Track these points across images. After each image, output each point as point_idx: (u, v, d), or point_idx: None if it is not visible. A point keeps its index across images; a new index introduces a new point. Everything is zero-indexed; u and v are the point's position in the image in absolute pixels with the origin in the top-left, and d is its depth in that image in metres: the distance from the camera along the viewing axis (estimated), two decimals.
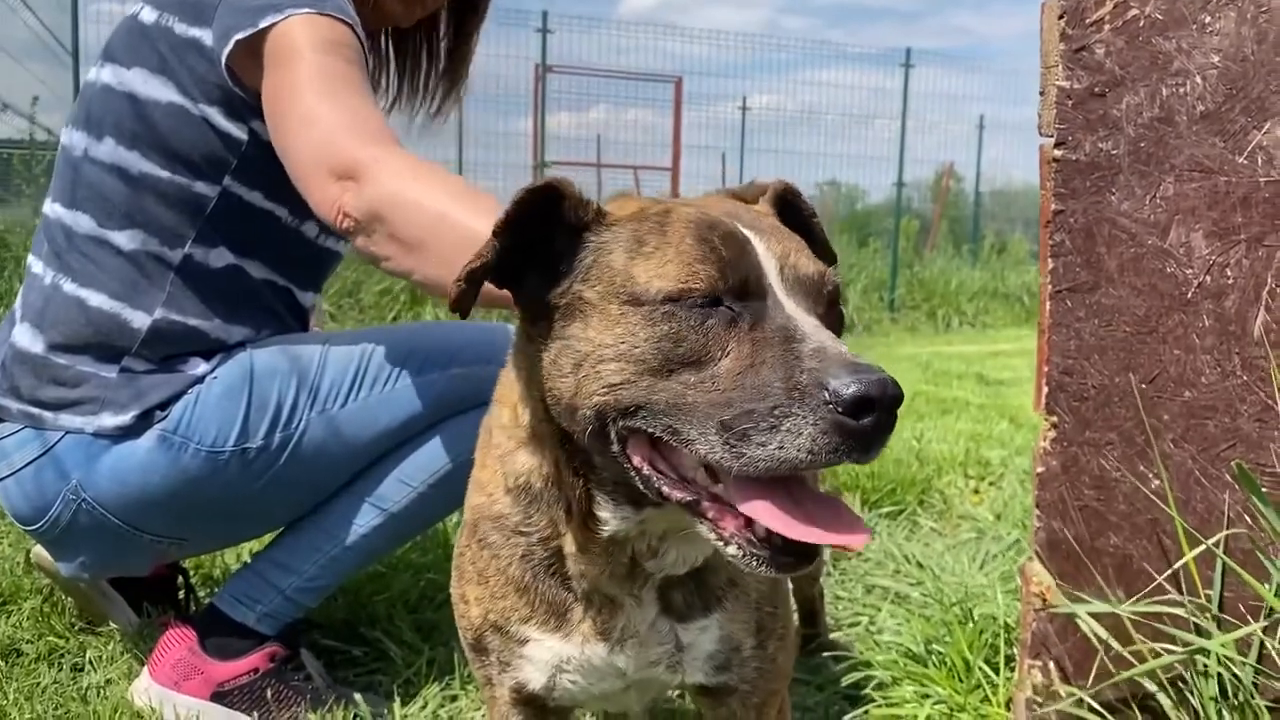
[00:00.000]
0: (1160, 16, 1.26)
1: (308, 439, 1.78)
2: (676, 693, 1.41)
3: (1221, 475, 1.25)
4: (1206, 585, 1.26)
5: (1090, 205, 1.36)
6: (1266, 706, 1.18)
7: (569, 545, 1.12)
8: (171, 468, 1.73)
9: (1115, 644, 1.30)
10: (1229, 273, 1.22)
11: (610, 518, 1.07)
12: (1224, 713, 1.21)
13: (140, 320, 1.75)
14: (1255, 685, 1.19)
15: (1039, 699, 1.47)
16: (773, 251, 0.99)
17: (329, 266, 2.07)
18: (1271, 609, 1.17)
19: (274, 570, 1.89)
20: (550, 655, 1.18)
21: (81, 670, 2.02)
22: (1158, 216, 1.29)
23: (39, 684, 1.93)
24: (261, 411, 1.75)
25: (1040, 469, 1.46)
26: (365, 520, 1.86)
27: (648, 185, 13.80)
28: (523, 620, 1.18)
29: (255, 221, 1.82)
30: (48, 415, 1.74)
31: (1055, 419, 1.44)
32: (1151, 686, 1.30)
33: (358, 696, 1.86)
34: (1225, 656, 1.20)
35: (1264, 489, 1.19)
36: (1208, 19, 1.22)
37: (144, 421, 1.72)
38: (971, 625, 1.96)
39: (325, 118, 1.55)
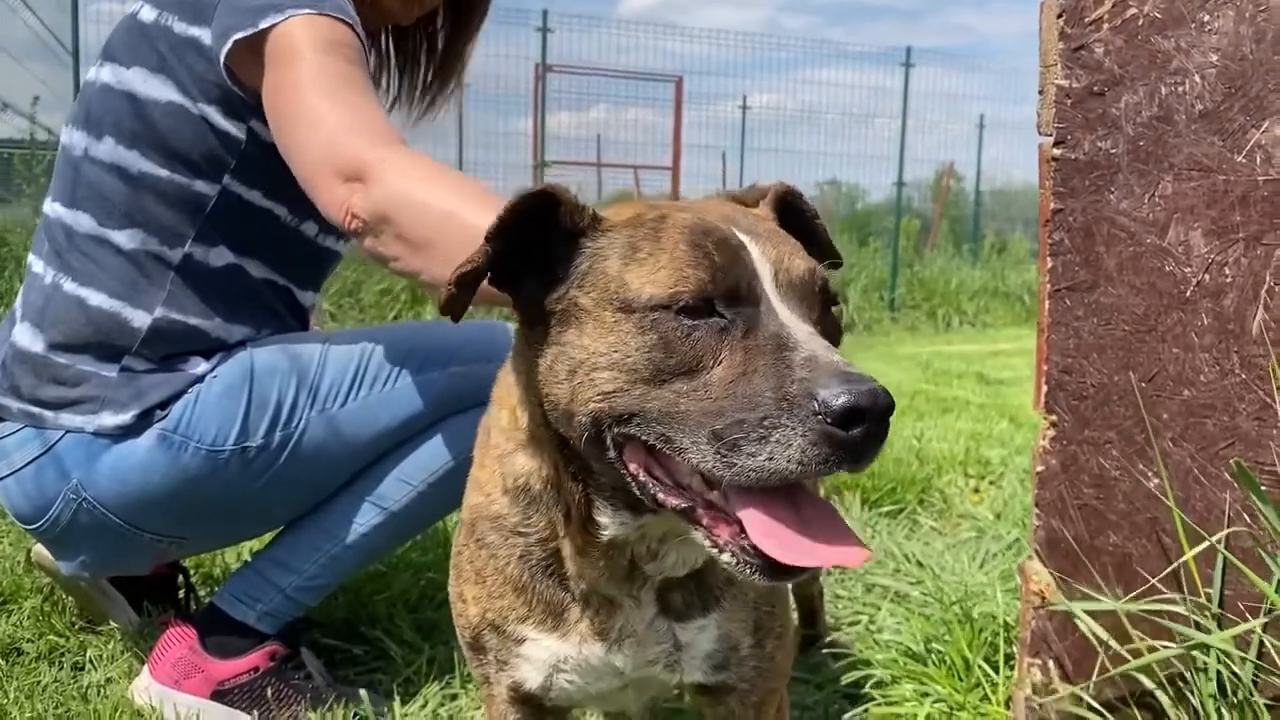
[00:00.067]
0: (1159, 15, 1.26)
1: (308, 438, 1.78)
2: (676, 691, 1.41)
3: (1220, 474, 1.25)
4: (1206, 584, 1.26)
5: (1089, 204, 1.36)
6: (1265, 704, 1.18)
7: (568, 548, 1.12)
8: (172, 467, 1.73)
9: (1114, 643, 1.30)
10: (1228, 271, 1.22)
11: (609, 522, 1.07)
12: (1223, 711, 1.21)
13: (140, 319, 1.75)
14: (1255, 683, 1.19)
15: (1038, 697, 1.47)
16: (768, 256, 0.98)
17: (329, 266, 2.07)
18: (1271, 607, 1.17)
19: (274, 569, 1.89)
20: (547, 655, 1.18)
21: (82, 669, 2.02)
22: (1156, 215, 1.29)
23: (39, 682, 1.93)
24: (262, 410, 1.75)
25: (1040, 468, 1.46)
26: (365, 519, 1.87)
27: (648, 185, 13.80)
28: (520, 620, 1.18)
29: (254, 220, 1.83)
30: (48, 414, 1.74)
31: (1054, 418, 1.44)
32: (1150, 684, 1.30)
33: (359, 694, 1.86)
34: (1224, 654, 1.20)
35: (1263, 487, 1.19)
36: (1206, 18, 1.22)
37: (144, 420, 1.73)
38: (971, 624, 1.96)
39: (329, 118, 1.56)
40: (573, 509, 1.09)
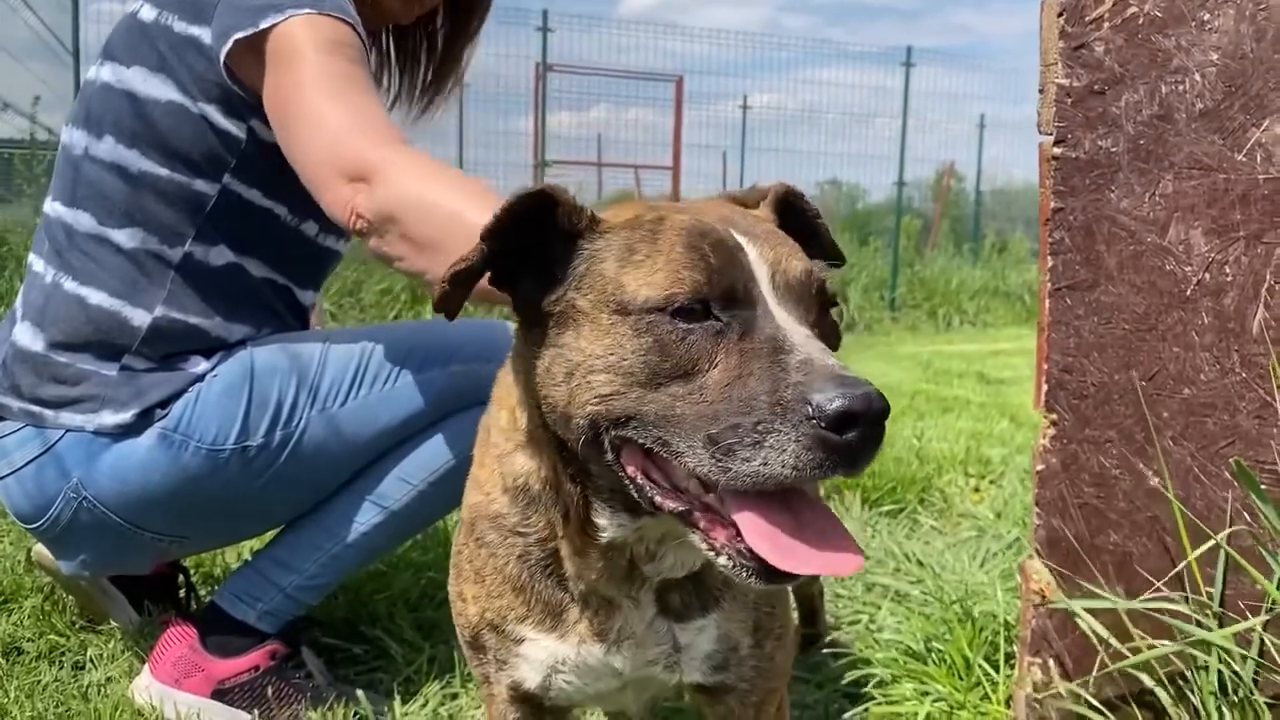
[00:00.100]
0: (1159, 14, 1.26)
1: (308, 437, 1.78)
2: (676, 691, 1.40)
3: (1221, 472, 1.25)
4: (1206, 583, 1.26)
5: (1090, 203, 1.36)
6: (1266, 703, 1.18)
7: (566, 549, 1.12)
8: (172, 466, 1.73)
9: (1114, 641, 1.30)
10: (1228, 270, 1.22)
11: (608, 524, 1.07)
12: (1224, 709, 1.21)
13: (140, 318, 1.75)
14: (1255, 681, 1.19)
15: (1039, 696, 1.47)
16: (765, 258, 0.98)
17: (329, 265, 2.07)
18: (1272, 605, 1.17)
19: (275, 568, 1.89)
20: (545, 655, 1.18)
21: (82, 668, 2.03)
22: (1157, 214, 1.29)
23: (40, 682, 1.93)
24: (262, 409, 1.75)
25: (1040, 466, 1.46)
26: (366, 518, 1.87)
27: (649, 184, 13.80)
28: (519, 620, 1.18)
29: (254, 219, 1.83)
30: (48, 413, 1.74)
31: (1055, 416, 1.44)
32: (1151, 683, 1.30)
33: (359, 694, 1.86)
34: (1225, 652, 1.20)
35: (1263, 486, 1.19)
36: (1207, 16, 1.22)
37: (144, 419, 1.73)
38: (971, 623, 1.96)
39: (332, 118, 1.56)
40: (571, 510, 1.08)
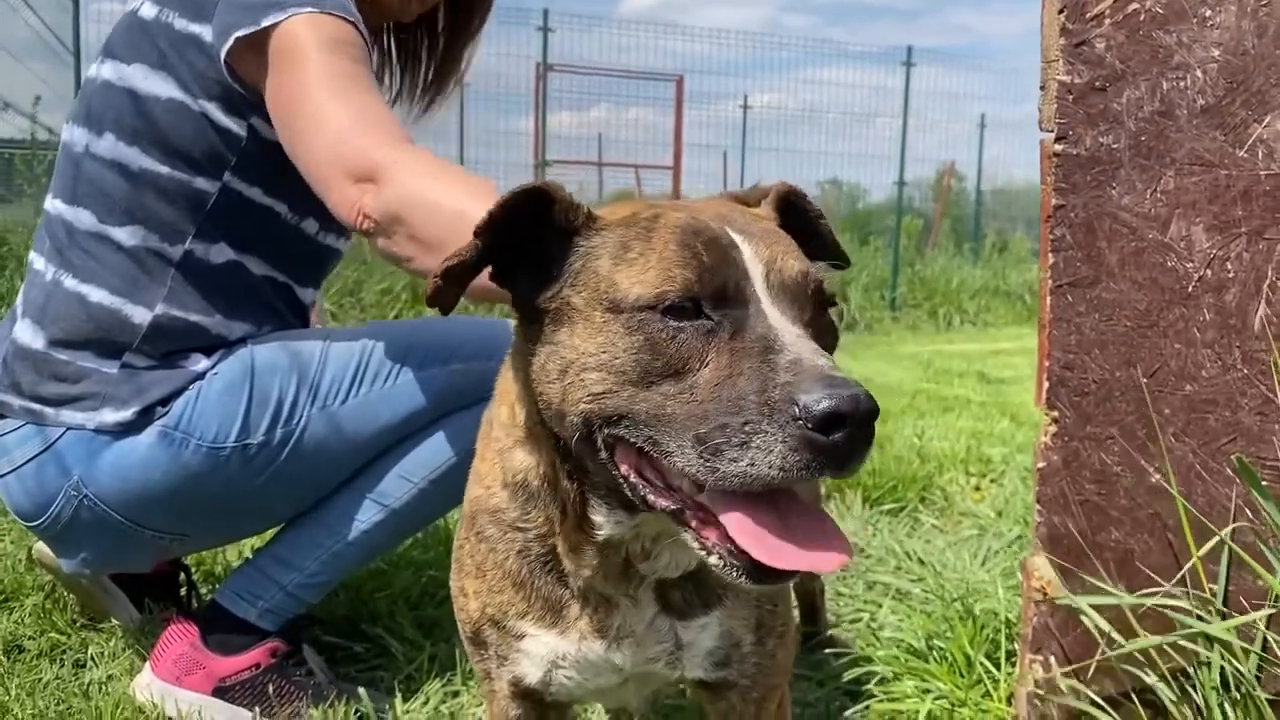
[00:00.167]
0: (1160, 10, 1.26)
1: (309, 435, 1.78)
2: (679, 687, 1.41)
3: (1222, 469, 1.25)
4: (1209, 580, 1.26)
5: (1091, 200, 1.36)
6: (1269, 699, 1.18)
7: (562, 545, 1.12)
8: (173, 464, 1.73)
9: (1118, 636, 1.30)
10: (1229, 266, 1.22)
11: (604, 522, 1.07)
12: (1226, 706, 1.21)
13: (141, 316, 1.75)
14: (1258, 678, 1.19)
15: (1040, 693, 1.47)
16: (760, 256, 0.97)
17: (329, 263, 2.07)
18: (1275, 601, 1.17)
19: (275, 566, 1.89)
20: (546, 651, 1.18)
21: (83, 666, 2.03)
22: (1158, 210, 1.29)
23: (41, 680, 1.93)
24: (262, 407, 1.75)
25: (1041, 464, 1.46)
26: (367, 516, 1.87)
27: (649, 184, 13.81)
28: (519, 616, 1.18)
29: (255, 217, 1.83)
30: (49, 411, 1.74)
31: (1056, 414, 1.44)
32: (1154, 678, 1.30)
33: (361, 691, 1.86)
34: (1227, 649, 1.20)
35: (1265, 482, 1.19)
36: (1208, 12, 1.22)
37: (145, 417, 1.73)
38: (973, 621, 1.96)
39: (336, 118, 1.56)
40: (568, 507, 1.08)
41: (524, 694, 1.24)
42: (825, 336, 1.02)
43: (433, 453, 1.85)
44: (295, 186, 1.67)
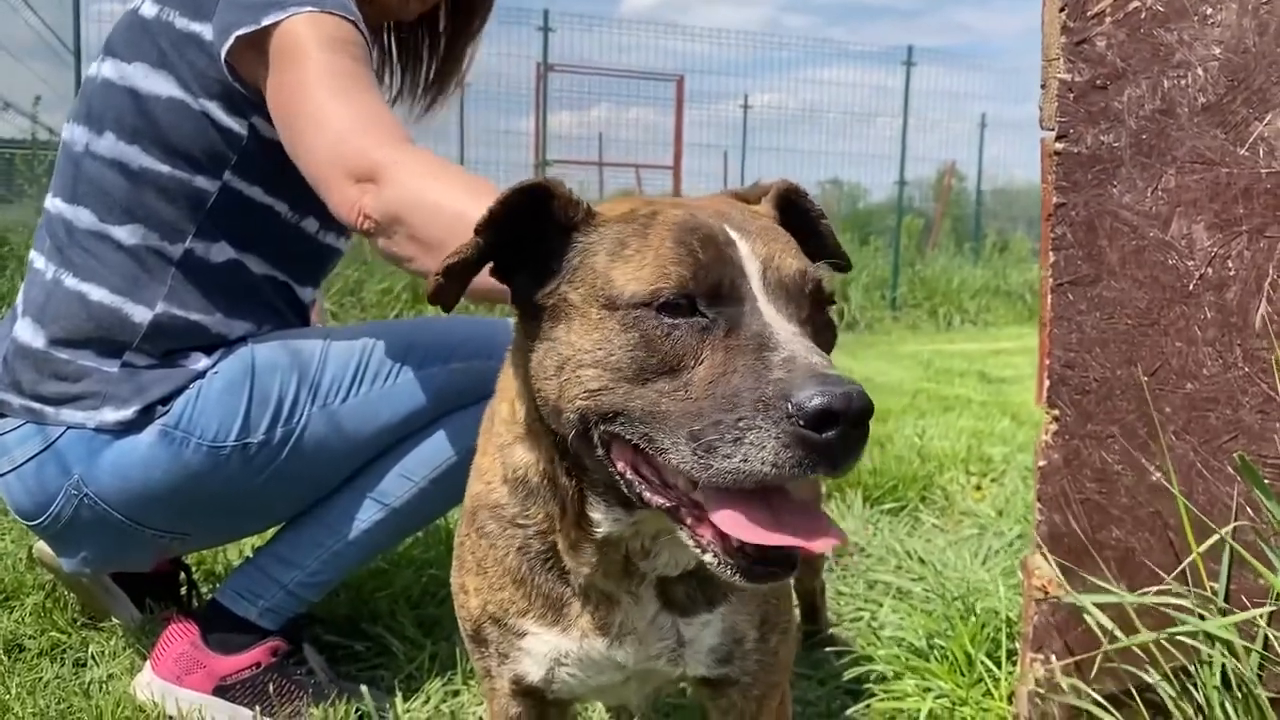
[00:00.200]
0: (1161, 8, 1.26)
1: (309, 434, 1.78)
2: (680, 685, 1.40)
3: (1223, 467, 1.25)
4: (1210, 578, 1.26)
5: (1092, 198, 1.36)
6: (1270, 698, 1.18)
7: (562, 542, 1.12)
8: (173, 463, 1.73)
9: (1120, 634, 1.30)
10: (1230, 264, 1.22)
11: (602, 519, 1.07)
12: (1227, 704, 1.21)
13: (141, 315, 1.75)
14: (1259, 677, 1.19)
15: (1041, 692, 1.47)
16: (757, 254, 0.97)
17: (329, 262, 2.07)
18: (1277, 599, 1.17)
19: (276, 565, 1.89)
20: (548, 649, 1.18)
21: (84, 665, 2.03)
22: (1159, 209, 1.29)
23: (41, 679, 1.93)
24: (263, 406, 1.75)
25: (1042, 462, 1.46)
26: (367, 515, 1.86)
27: (649, 184, 13.81)
28: (520, 613, 1.18)
29: (255, 216, 1.83)
30: (49, 410, 1.74)
31: (1057, 412, 1.44)
32: (1156, 677, 1.29)
33: (362, 690, 1.86)
34: (1228, 646, 1.20)
35: (1266, 480, 1.19)
36: (1209, 10, 1.22)
37: (145, 416, 1.72)
38: (973, 619, 1.96)
39: (337, 117, 1.56)
40: (568, 504, 1.09)
41: (525, 692, 1.24)
42: (823, 335, 1.02)
43: (433, 451, 1.85)
44: (295, 185, 1.67)
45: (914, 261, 12.66)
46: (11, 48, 9.02)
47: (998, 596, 2.05)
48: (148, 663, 1.89)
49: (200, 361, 1.78)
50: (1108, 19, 1.32)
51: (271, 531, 1.99)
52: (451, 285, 1.04)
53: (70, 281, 1.76)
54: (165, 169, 1.74)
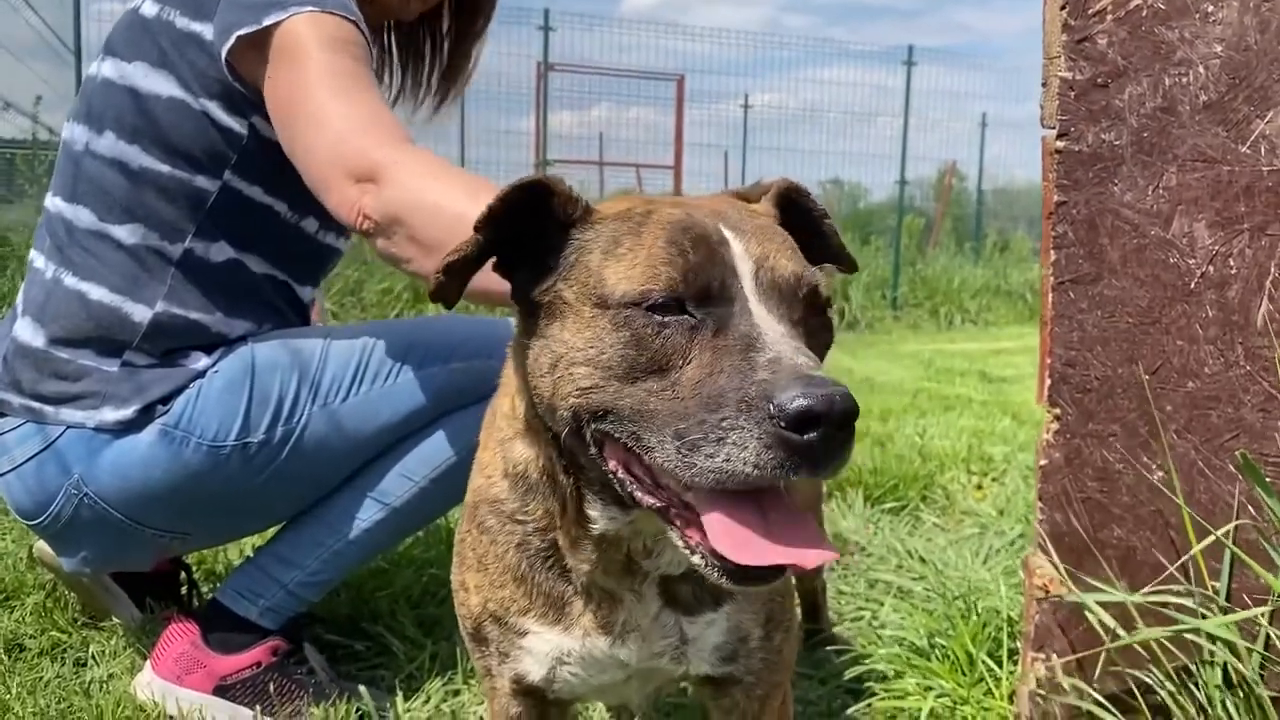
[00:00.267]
0: (1163, 6, 1.26)
1: (309, 433, 1.78)
2: (682, 684, 1.40)
3: (1225, 466, 1.25)
4: (1211, 577, 1.26)
5: (1093, 196, 1.35)
6: (1272, 698, 1.18)
7: (563, 539, 1.12)
8: (173, 462, 1.73)
9: (1122, 632, 1.30)
10: (1232, 263, 1.22)
11: (599, 517, 1.07)
12: (1228, 704, 1.20)
13: (141, 314, 1.75)
14: (1261, 676, 1.19)
15: (1042, 691, 1.47)
16: (750, 254, 0.97)
17: (329, 262, 2.07)
18: (1278, 599, 1.17)
19: (276, 565, 1.89)
20: (550, 648, 1.18)
21: (84, 665, 2.03)
22: (1160, 207, 1.28)
23: (42, 678, 1.93)
24: (263, 406, 1.75)
25: (1043, 461, 1.46)
26: (367, 515, 1.86)
27: (650, 184, 13.81)
28: (521, 612, 1.18)
29: (255, 216, 1.82)
30: (49, 410, 1.74)
31: (1058, 411, 1.43)
32: (1158, 676, 1.29)
33: (362, 689, 1.86)
34: (1229, 645, 1.19)
35: (1268, 479, 1.18)
36: (1210, 8, 1.21)
37: (145, 416, 1.72)
38: (974, 619, 1.96)
39: (338, 117, 1.55)
40: (566, 501, 1.08)
41: (525, 691, 1.24)
42: (818, 337, 1.02)
43: (433, 451, 1.84)
44: (295, 185, 1.67)
45: (915, 261, 12.66)
46: (12, 47, 9.03)
47: (999, 596, 2.05)
48: (148, 662, 1.89)
49: (200, 361, 1.78)
50: (1109, 17, 1.32)
51: (272, 531, 1.99)
52: (452, 282, 1.04)
53: (70, 281, 1.76)
54: (165, 168, 1.74)
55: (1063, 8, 1.36)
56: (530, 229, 1.04)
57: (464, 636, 1.29)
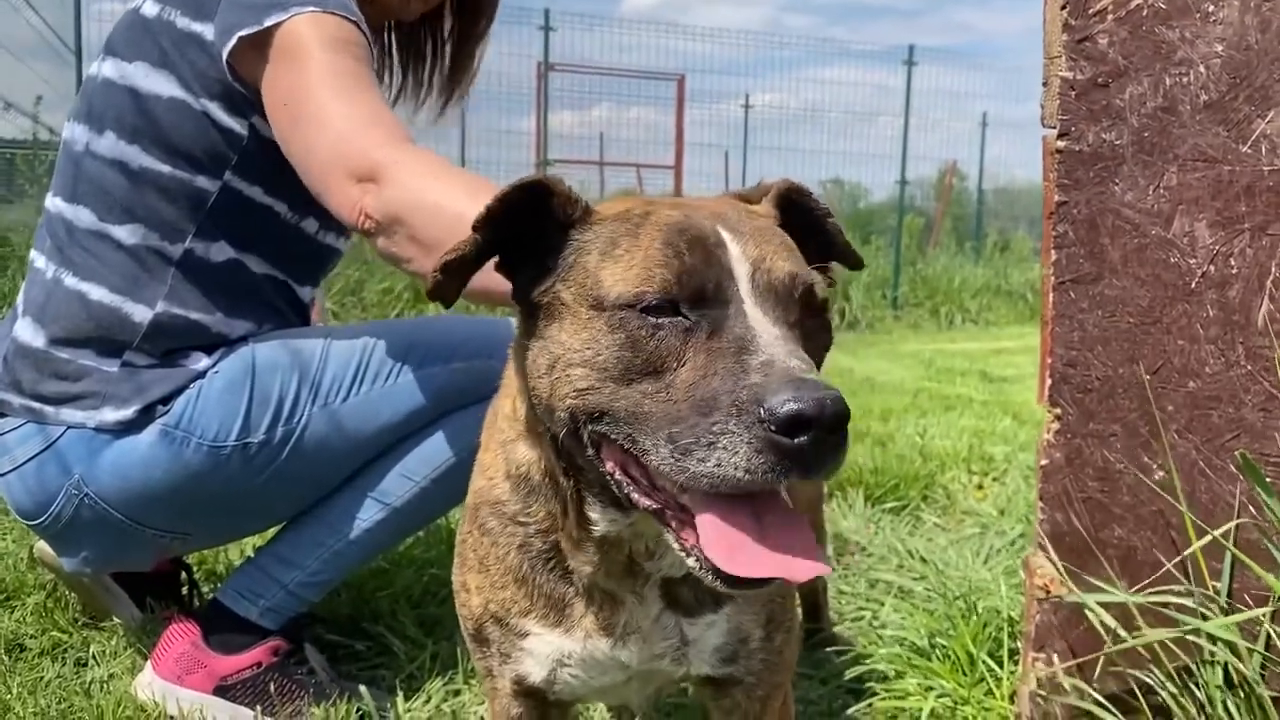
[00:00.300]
0: (1163, 6, 1.26)
1: (309, 433, 1.78)
2: (682, 685, 1.40)
3: (1226, 466, 1.25)
4: (1213, 577, 1.26)
5: (1093, 196, 1.35)
6: (1273, 697, 1.17)
7: (565, 541, 1.12)
8: (173, 462, 1.73)
9: (1123, 632, 1.30)
10: (1233, 262, 1.22)
11: (599, 518, 1.07)
12: (1229, 704, 1.20)
13: (141, 314, 1.75)
14: (1262, 676, 1.19)
15: (1043, 691, 1.47)
16: (748, 256, 0.96)
17: (329, 262, 2.07)
18: (1278, 599, 1.17)
19: (276, 565, 1.89)
20: (550, 649, 1.18)
21: (85, 665, 2.03)
22: (1161, 206, 1.28)
23: (42, 678, 1.93)
24: (263, 406, 1.75)
25: (1044, 461, 1.46)
26: (368, 515, 1.86)
27: (650, 184, 13.82)
28: (522, 613, 1.18)
29: (255, 216, 1.82)
30: (49, 410, 1.74)
31: (1059, 411, 1.43)
32: (1160, 676, 1.29)
33: (363, 689, 1.86)
34: (1230, 645, 1.19)
35: (1269, 479, 1.18)
36: (1211, 8, 1.21)
37: (146, 416, 1.72)
38: (975, 618, 1.95)
39: (339, 117, 1.55)
40: (568, 503, 1.08)
41: (526, 692, 1.24)
42: (815, 339, 1.01)
43: (434, 451, 1.84)
44: (295, 186, 1.67)
45: (915, 261, 12.66)
46: (12, 48, 9.04)
47: (999, 595, 2.05)
48: (149, 662, 1.89)
49: (201, 361, 1.78)
50: (1109, 16, 1.32)
51: (272, 531, 1.99)
52: (450, 282, 1.04)
53: (70, 281, 1.76)
54: (166, 169, 1.74)
55: (1063, 7, 1.36)
56: (531, 229, 1.04)
57: (465, 637, 1.29)
